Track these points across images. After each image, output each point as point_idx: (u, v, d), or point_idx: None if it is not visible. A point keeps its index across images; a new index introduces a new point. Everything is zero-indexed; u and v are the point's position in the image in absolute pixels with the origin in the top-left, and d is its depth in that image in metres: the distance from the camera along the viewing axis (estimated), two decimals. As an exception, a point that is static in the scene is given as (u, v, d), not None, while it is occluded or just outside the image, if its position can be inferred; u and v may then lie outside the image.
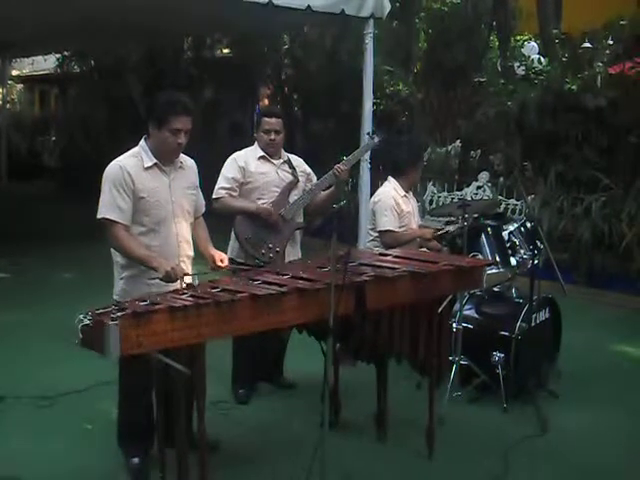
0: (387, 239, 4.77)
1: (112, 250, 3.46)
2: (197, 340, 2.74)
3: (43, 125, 18.47)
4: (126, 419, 3.62)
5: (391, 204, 4.79)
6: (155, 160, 3.42)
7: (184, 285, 3.12)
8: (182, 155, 3.55)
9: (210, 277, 3.24)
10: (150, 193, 3.39)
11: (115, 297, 3.43)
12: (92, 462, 3.70)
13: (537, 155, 8.52)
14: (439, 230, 5.00)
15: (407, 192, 4.96)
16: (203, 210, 3.78)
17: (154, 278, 3.22)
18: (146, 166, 3.41)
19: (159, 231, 3.42)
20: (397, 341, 3.52)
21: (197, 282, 3.28)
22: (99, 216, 3.36)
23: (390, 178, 4.98)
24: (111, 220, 3.33)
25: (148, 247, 3.37)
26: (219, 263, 3.56)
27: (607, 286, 7.43)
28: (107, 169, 3.40)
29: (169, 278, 3.18)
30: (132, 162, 3.41)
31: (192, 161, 3.66)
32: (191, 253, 3.59)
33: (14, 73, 19.10)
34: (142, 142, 3.48)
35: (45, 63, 17.09)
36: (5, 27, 9.10)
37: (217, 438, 3.70)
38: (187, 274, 3.32)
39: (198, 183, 3.69)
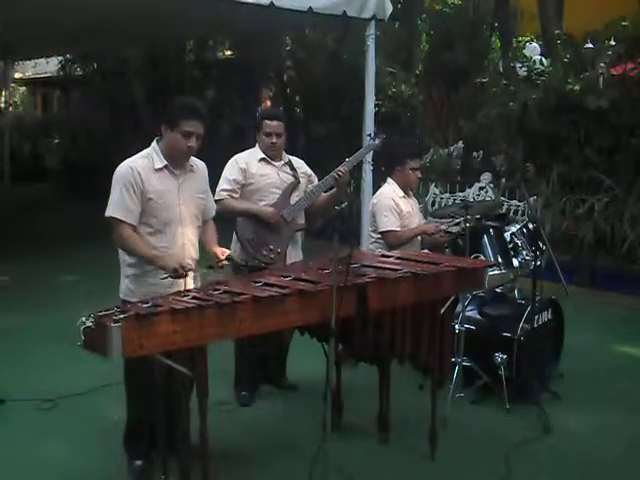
0: (389, 239, 4.75)
1: (119, 249, 3.48)
2: (199, 342, 2.75)
3: (46, 128, 18.48)
4: (135, 420, 3.62)
5: (390, 204, 4.77)
6: (166, 162, 3.43)
7: (190, 282, 3.18)
8: (193, 158, 3.56)
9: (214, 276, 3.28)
10: (158, 195, 3.40)
11: (121, 295, 3.46)
12: (94, 465, 3.71)
13: (539, 156, 8.51)
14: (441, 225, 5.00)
15: (406, 193, 4.95)
16: (213, 213, 3.77)
17: (165, 277, 3.22)
18: (156, 167, 3.42)
19: (166, 233, 3.43)
20: (399, 343, 3.51)
21: (199, 283, 3.32)
22: (107, 214, 3.37)
23: (389, 179, 4.97)
24: (119, 219, 3.34)
25: (155, 248, 3.37)
26: (220, 256, 3.51)
27: (609, 287, 7.42)
28: (118, 169, 3.41)
29: (178, 274, 3.18)
30: (143, 163, 3.42)
31: (203, 164, 3.66)
32: (196, 256, 3.58)
33: (17, 76, 19.14)
34: (154, 143, 3.49)
35: (48, 66, 17.14)
36: (8, 30, 9.11)
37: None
38: (192, 269, 3.34)
39: (208, 187, 3.70)
